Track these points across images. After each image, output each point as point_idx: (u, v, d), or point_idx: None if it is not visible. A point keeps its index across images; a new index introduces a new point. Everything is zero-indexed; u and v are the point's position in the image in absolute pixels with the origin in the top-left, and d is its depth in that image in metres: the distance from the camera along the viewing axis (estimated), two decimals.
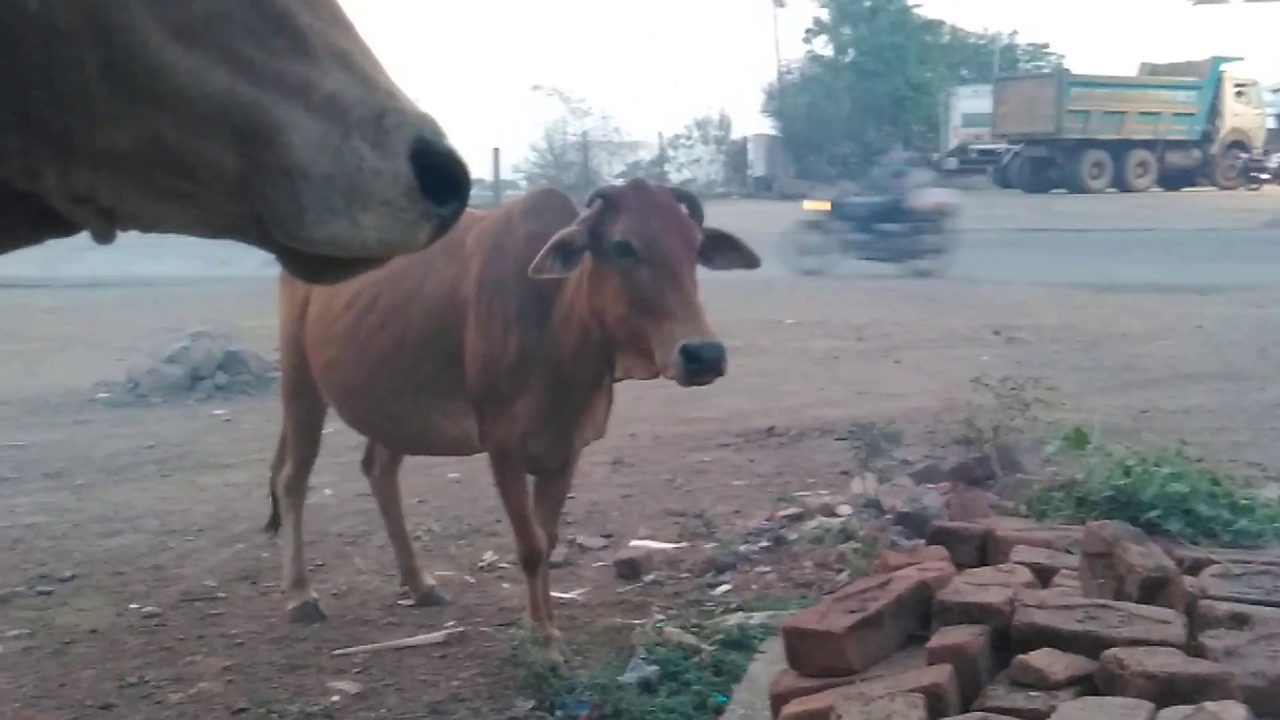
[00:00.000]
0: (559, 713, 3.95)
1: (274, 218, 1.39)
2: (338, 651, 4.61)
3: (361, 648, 4.63)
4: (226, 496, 6.99)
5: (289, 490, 5.11)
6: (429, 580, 5.20)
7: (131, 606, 5.15)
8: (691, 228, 3.79)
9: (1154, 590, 2.98)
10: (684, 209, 3.82)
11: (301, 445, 5.09)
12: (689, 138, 46.18)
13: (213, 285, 18.34)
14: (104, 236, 1.48)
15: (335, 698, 4.18)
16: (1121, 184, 36.54)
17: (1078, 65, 53.97)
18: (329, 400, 4.80)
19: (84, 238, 1.52)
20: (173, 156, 1.37)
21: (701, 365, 3.49)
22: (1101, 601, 2.95)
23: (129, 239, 1.54)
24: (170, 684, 4.35)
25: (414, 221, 1.43)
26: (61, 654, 4.65)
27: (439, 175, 1.43)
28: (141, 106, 1.35)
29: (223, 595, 5.29)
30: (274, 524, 5.26)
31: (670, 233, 3.71)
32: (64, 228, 1.49)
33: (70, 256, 18.86)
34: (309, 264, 1.48)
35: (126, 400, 10.12)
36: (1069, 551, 3.49)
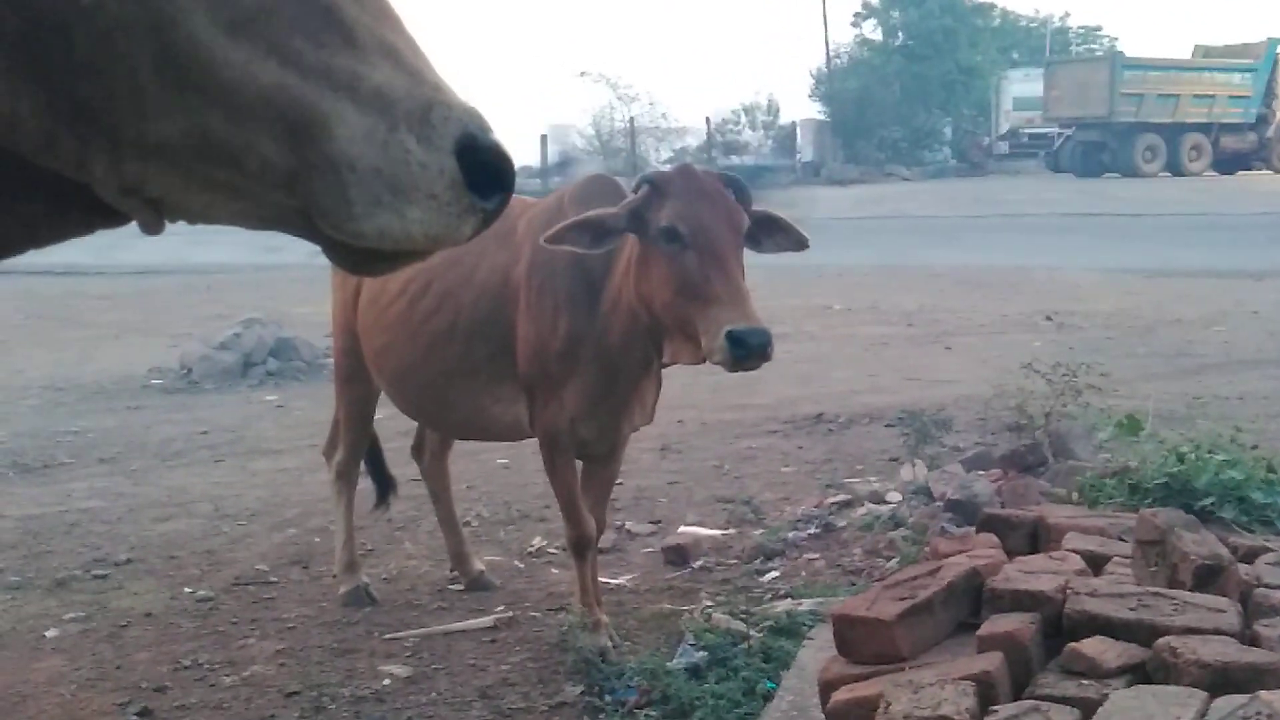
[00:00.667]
0: (608, 698, 3.96)
1: (320, 210, 1.40)
2: (388, 635, 4.64)
3: (411, 632, 4.66)
4: (278, 482, 7.05)
5: (340, 475, 5.15)
6: (478, 565, 5.22)
7: (185, 590, 5.21)
8: (738, 213, 3.78)
9: (1208, 578, 2.96)
10: (731, 194, 3.81)
11: (354, 431, 5.13)
12: (737, 123, 46.06)
13: (264, 272, 18.51)
14: (152, 227, 1.49)
15: (386, 681, 4.21)
16: (1175, 168, 36.13)
17: (1130, 48, 53.55)
18: (381, 385, 4.83)
19: (136, 227, 1.54)
20: (221, 149, 1.38)
21: (748, 351, 3.49)
22: (1154, 589, 2.92)
23: (180, 227, 1.56)
24: (224, 667, 4.39)
25: (459, 215, 1.44)
26: (117, 637, 4.71)
27: (484, 169, 1.44)
28: (191, 99, 1.36)
29: (275, 579, 5.34)
30: (382, 500, 5.38)
31: (716, 218, 3.71)
32: (114, 218, 1.50)
33: (124, 244, 19.06)
34: (354, 256, 1.49)
35: (180, 386, 10.23)
36: (1121, 539, 3.47)
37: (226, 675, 4.32)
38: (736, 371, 3.62)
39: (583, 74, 46.69)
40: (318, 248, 1.52)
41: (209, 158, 1.39)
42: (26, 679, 4.31)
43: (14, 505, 6.62)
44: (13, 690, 4.22)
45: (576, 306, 4.07)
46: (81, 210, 1.49)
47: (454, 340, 4.37)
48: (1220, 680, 2.47)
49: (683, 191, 3.74)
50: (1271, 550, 3.37)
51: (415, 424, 5.35)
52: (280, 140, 1.38)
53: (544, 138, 38.78)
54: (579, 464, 4.43)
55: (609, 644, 4.26)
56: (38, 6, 1.31)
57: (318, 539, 5.84)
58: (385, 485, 5.38)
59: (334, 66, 1.39)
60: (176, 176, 1.41)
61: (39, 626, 4.82)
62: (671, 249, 3.67)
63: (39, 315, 14.92)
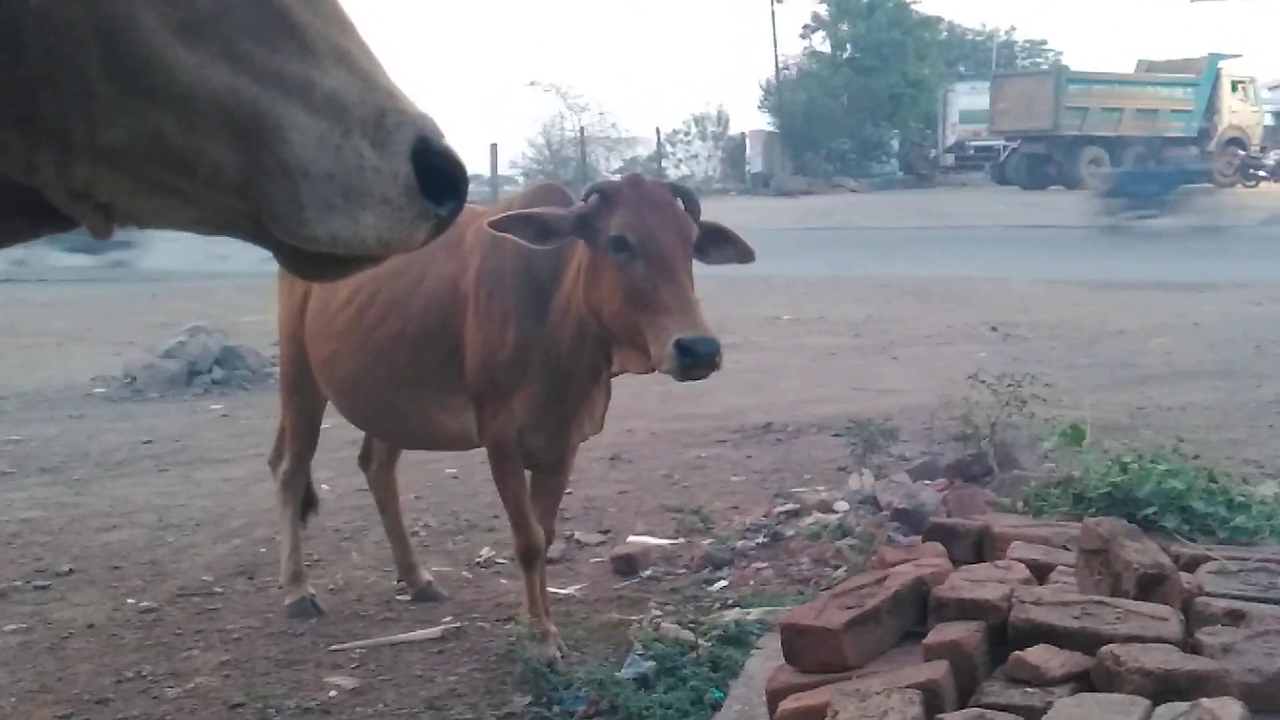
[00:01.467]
0: (556, 708, 3.95)
1: (274, 215, 1.40)
2: (335, 647, 4.61)
3: (358, 643, 4.63)
4: (223, 491, 6.99)
5: (286, 485, 5.11)
6: (426, 576, 5.20)
7: (129, 601, 5.15)
8: (687, 222, 3.79)
9: (1150, 587, 2.99)
10: (680, 204, 3.82)
11: (300, 440, 5.09)
12: (687, 134, 46.19)
13: (210, 280, 18.35)
14: (101, 232, 1.48)
15: (332, 693, 4.19)
16: None
17: (1075, 62, 54.12)
18: (329, 395, 4.80)
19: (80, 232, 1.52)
20: (173, 154, 1.37)
21: (696, 359, 3.50)
22: (1098, 598, 2.95)
23: (126, 233, 1.53)
24: (167, 679, 4.35)
25: (413, 220, 1.44)
26: (59, 648, 4.65)
27: (437, 175, 1.44)
28: (142, 103, 1.35)
29: (220, 590, 5.29)
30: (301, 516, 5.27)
31: (666, 228, 3.71)
32: (62, 222, 1.49)
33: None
34: (307, 261, 1.49)
35: (123, 395, 10.12)
36: (1066, 548, 3.50)
37: (170, 687, 4.27)
38: (685, 380, 3.63)
39: (532, 83, 46.80)
40: (265, 255, 1.51)
41: (160, 162, 1.38)
42: None
43: None
44: None
45: (525, 315, 4.07)
46: (29, 214, 1.48)
47: (402, 349, 4.35)
48: (1162, 688, 2.49)
49: (632, 201, 3.75)
50: (1213, 559, 3.41)
51: (362, 434, 5.32)
52: (232, 145, 1.37)
53: (493, 146, 38.69)
54: (528, 474, 4.42)
55: (557, 654, 4.25)
56: None
57: (263, 549, 5.79)
58: (307, 504, 5.31)
59: (287, 71, 1.39)
60: (127, 181, 1.40)
61: None
62: (620, 258, 3.68)
63: None
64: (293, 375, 4.98)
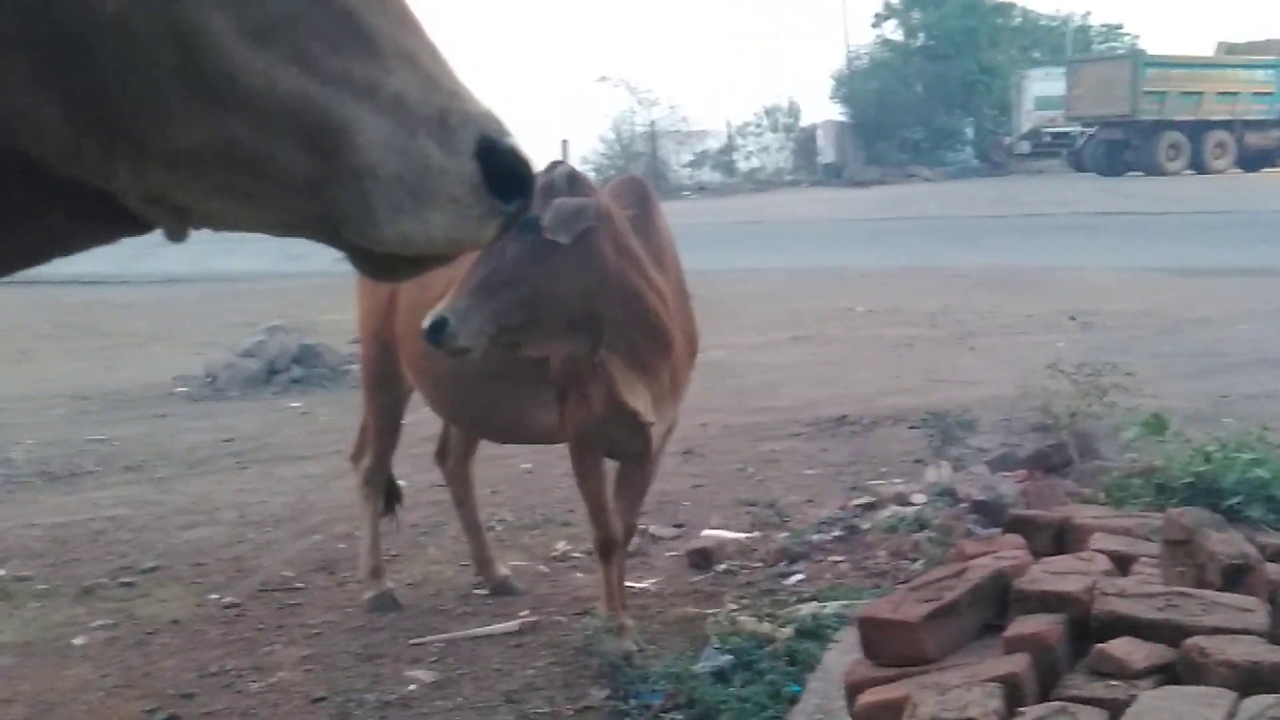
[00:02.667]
0: (633, 702, 3.96)
1: (344, 217, 1.41)
2: (414, 641, 4.65)
3: (437, 637, 4.67)
4: (303, 488, 7.07)
5: (367, 481, 5.16)
6: (503, 570, 5.23)
7: (211, 597, 5.23)
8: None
9: (1235, 578, 2.94)
10: (546, 191, 3.83)
11: (382, 437, 5.14)
12: (758, 125, 46.05)
13: (288, 280, 18.58)
14: (177, 235, 1.50)
15: (412, 686, 4.22)
16: (1199, 165, 35.92)
17: (1153, 45, 53.12)
18: (421, 390, 4.82)
19: (161, 235, 1.55)
20: (245, 157, 1.39)
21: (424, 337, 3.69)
22: (1182, 589, 2.91)
23: (204, 235, 1.57)
24: (250, 673, 4.41)
25: (480, 219, 1.45)
26: (144, 644, 4.74)
27: (504, 173, 1.45)
28: (215, 108, 1.36)
29: (300, 585, 5.36)
30: (388, 509, 5.34)
31: None
32: (139, 226, 1.51)
33: (148, 253, 19.18)
34: (378, 262, 1.50)
35: (204, 394, 10.27)
36: (1148, 539, 3.45)
37: (253, 681, 4.33)
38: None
39: (603, 79, 46.64)
40: (340, 254, 1.52)
41: (232, 165, 1.39)
42: (55, 686, 4.34)
43: (41, 514, 6.66)
44: (41, 698, 4.25)
45: None
46: (107, 218, 1.50)
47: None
48: (1249, 680, 2.45)
49: None
50: None
51: (438, 430, 5.35)
52: (302, 147, 1.38)
53: (564, 143, 38.81)
54: (613, 467, 4.44)
55: (634, 648, 4.26)
56: (60, 16, 1.32)
57: (342, 545, 5.85)
58: (392, 497, 5.36)
59: (354, 73, 1.40)
60: (200, 184, 1.41)
61: (66, 634, 4.85)
62: None
63: (65, 325, 15.01)
64: (376, 373, 5.02)
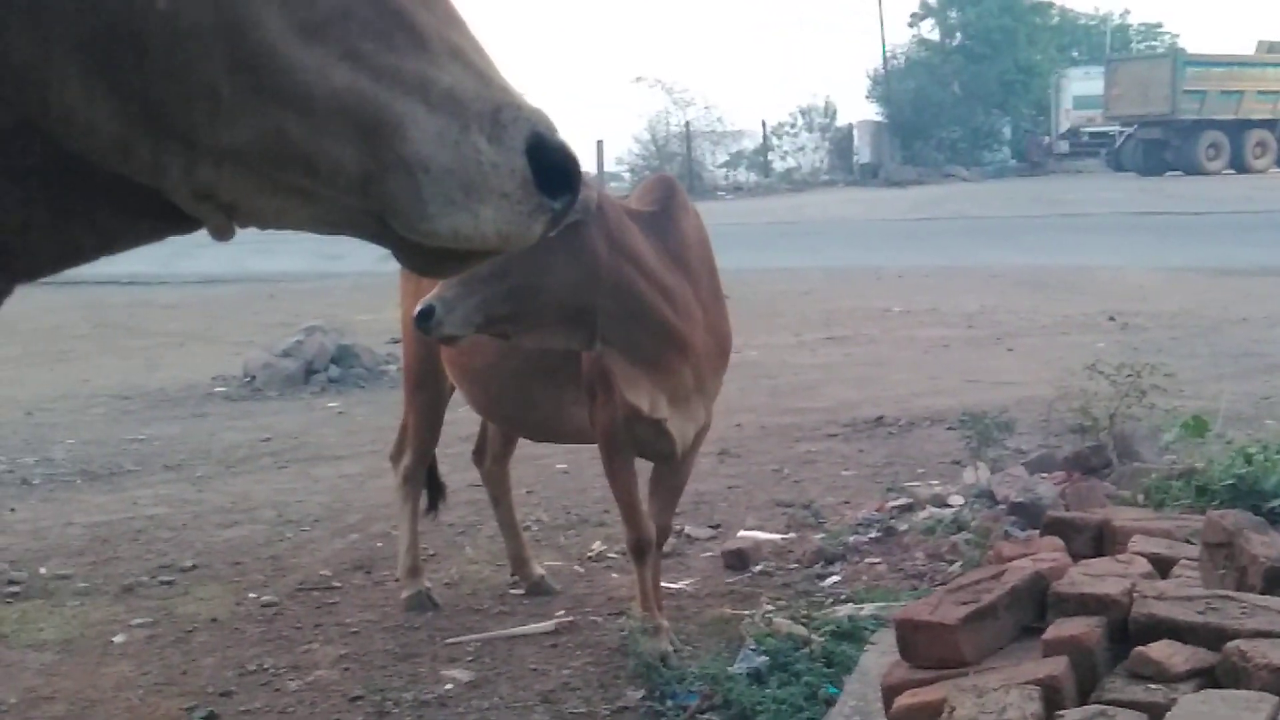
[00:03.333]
0: (669, 702, 3.96)
1: (395, 211, 1.43)
2: (450, 640, 4.66)
3: (473, 636, 4.68)
4: (341, 488, 7.10)
5: (407, 479, 5.17)
6: (539, 570, 5.24)
7: (250, 595, 5.26)
8: None
9: (1277, 581, 2.91)
10: None
11: (422, 436, 5.15)
12: (794, 125, 45.93)
13: (325, 280, 18.68)
14: (224, 233, 1.51)
15: (448, 686, 4.24)
16: (1239, 165, 35.64)
17: (1192, 44, 52.79)
18: (461, 387, 4.84)
19: (201, 235, 1.56)
20: (295, 152, 1.40)
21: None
22: (1223, 593, 2.88)
23: (242, 236, 1.57)
24: (288, 671, 4.43)
25: (530, 214, 1.46)
26: (183, 642, 4.77)
27: (552, 169, 1.47)
28: (266, 103, 1.38)
29: (338, 585, 5.38)
30: (432, 506, 5.39)
31: None
32: (184, 224, 1.52)
33: (187, 253, 19.35)
34: (427, 256, 1.52)
35: (243, 394, 10.33)
36: (1189, 541, 3.42)
37: (291, 680, 4.36)
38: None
39: (638, 79, 46.72)
40: (379, 254, 1.54)
41: (283, 162, 1.41)
42: (95, 684, 4.37)
43: (82, 512, 6.72)
44: (82, 695, 4.28)
45: None
46: (153, 216, 1.52)
47: None
48: None
49: None
50: None
51: (475, 430, 5.37)
52: (354, 143, 1.40)
53: (599, 143, 38.89)
54: (649, 468, 4.44)
55: (670, 648, 4.26)
56: (113, 11, 1.33)
57: (379, 544, 5.88)
58: (436, 493, 5.40)
59: (405, 69, 1.42)
60: (250, 181, 1.43)
61: (107, 632, 4.89)
62: None
63: (105, 325, 15.14)
64: (418, 372, 5.04)
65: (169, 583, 5.46)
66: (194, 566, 5.68)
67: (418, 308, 3.75)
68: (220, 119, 1.38)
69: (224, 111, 1.37)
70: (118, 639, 4.82)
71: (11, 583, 5.49)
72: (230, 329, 14.10)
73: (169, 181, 1.42)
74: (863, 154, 44.43)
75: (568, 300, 3.90)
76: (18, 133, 1.40)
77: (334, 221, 1.49)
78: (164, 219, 1.51)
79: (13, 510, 6.82)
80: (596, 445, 4.46)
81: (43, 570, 5.67)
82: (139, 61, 1.35)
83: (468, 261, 1.54)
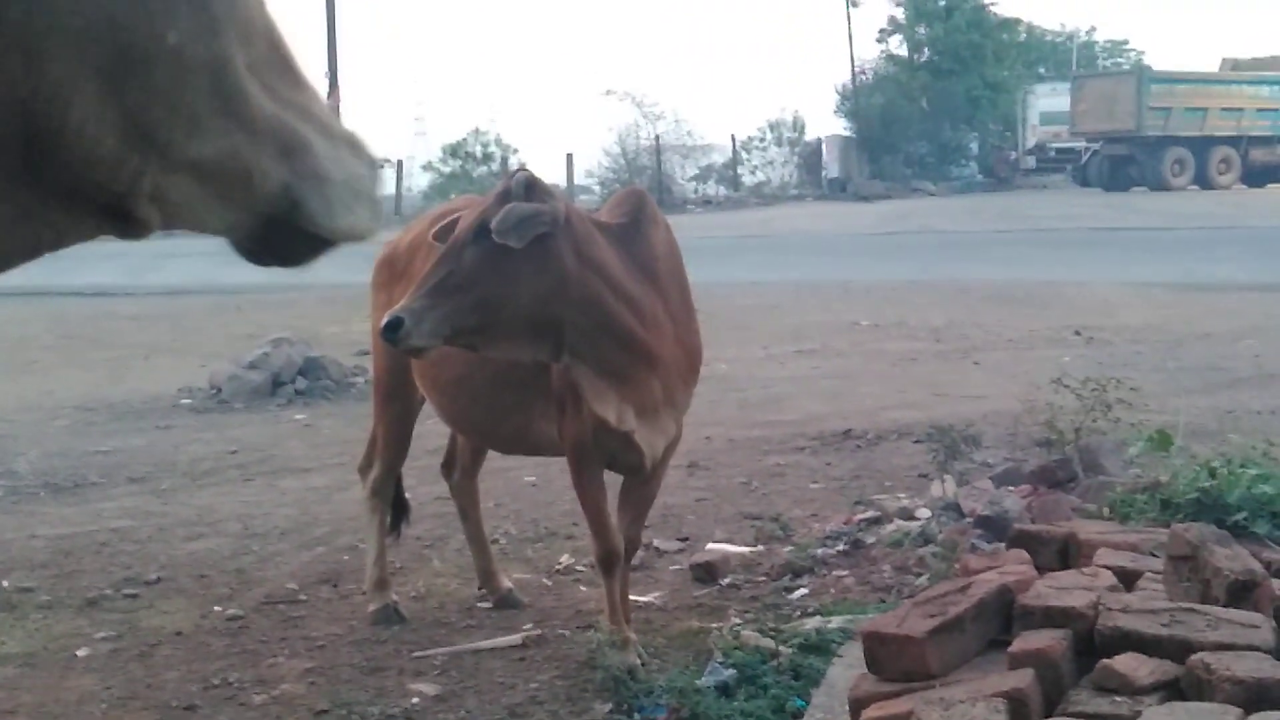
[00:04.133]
0: (637, 715, 3.96)
1: (307, 213, 1.76)
2: (417, 654, 4.65)
3: (440, 650, 4.67)
4: (307, 500, 7.07)
5: (375, 492, 5.15)
6: (506, 583, 5.22)
7: (215, 609, 5.23)
8: (484, 213, 3.88)
9: (1241, 593, 2.93)
10: (501, 194, 3.93)
11: (392, 448, 5.14)
12: (763, 140, 46.05)
13: (292, 292, 18.59)
14: (149, 233, 1.72)
15: (415, 700, 4.22)
16: (1204, 181, 35.97)
17: (1158, 61, 53.25)
18: (431, 399, 4.82)
19: (166, 246, 1.68)
20: (241, 164, 1.68)
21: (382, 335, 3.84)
22: (1187, 605, 2.90)
23: (210, 247, 1.79)
24: (253, 685, 4.41)
25: (379, 214, 1.85)
26: (147, 656, 4.73)
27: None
28: (228, 124, 1.66)
29: (304, 598, 5.35)
30: (394, 526, 5.36)
31: (464, 219, 3.98)
32: (119, 224, 1.70)
33: (154, 265, 19.24)
34: (301, 254, 1.84)
35: (209, 406, 10.27)
36: (1153, 555, 3.44)
37: (256, 694, 4.33)
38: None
39: (608, 92, 46.59)
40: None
41: (230, 171, 1.68)
42: (58, 698, 4.33)
43: (45, 525, 6.66)
44: (45, 709, 4.24)
45: None
46: (98, 215, 1.69)
47: None
48: (1255, 697, 2.45)
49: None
50: None
51: (444, 443, 5.35)
52: (277, 158, 1.72)
53: (569, 156, 38.89)
54: (619, 481, 4.43)
55: (638, 661, 4.25)
56: (132, 42, 1.55)
57: (346, 557, 5.85)
58: (400, 512, 5.38)
59: (297, 102, 1.76)
60: (199, 188, 1.69)
61: (70, 645, 4.85)
62: None
63: (69, 336, 15.02)
64: (388, 384, 5.03)
65: (133, 596, 5.42)
66: (159, 579, 5.64)
67: (385, 319, 3.76)
68: (194, 136, 1.63)
69: (198, 130, 1.63)
70: (81, 652, 4.77)
71: None
72: (197, 341, 14.02)
73: (139, 189, 1.62)
74: (831, 169, 44.58)
75: (535, 312, 3.91)
76: (26, 143, 1.56)
77: (242, 224, 1.76)
78: (106, 218, 1.70)
79: None
80: (561, 458, 4.46)
81: (5, 583, 5.62)
82: (144, 84, 1.58)
83: (318, 257, 1.86)
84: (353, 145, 1.83)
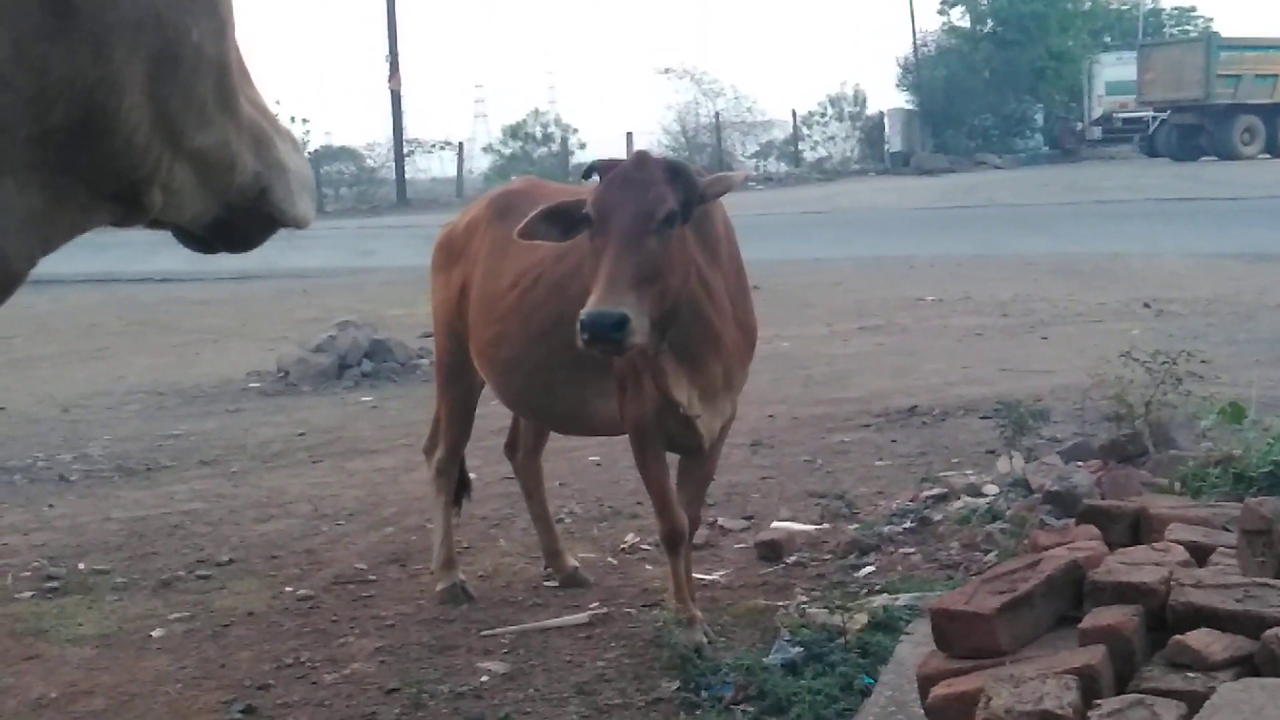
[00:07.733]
0: (704, 693, 3.96)
1: (273, 199, 1.99)
2: (485, 632, 4.68)
3: (508, 629, 4.70)
4: (375, 481, 7.14)
5: (440, 473, 5.19)
6: (572, 562, 5.25)
7: (286, 589, 5.29)
8: (652, 198, 3.72)
9: None
10: (658, 179, 3.77)
11: (455, 429, 5.17)
12: (823, 114, 45.71)
13: (357, 276, 18.76)
14: (138, 221, 1.87)
15: (484, 678, 4.25)
16: (1275, 149, 35.28)
17: (1226, 28, 52.23)
18: (488, 378, 4.85)
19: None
20: (230, 153, 1.88)
21: (588, 334, 3.54)
22: (1261, 580, 2.86)
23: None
24: (325, 664, 4.46)
25: (315, 204, 2.13)
26: (220, 636, 4.80)
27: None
28: (224, 116, 1.84)
29: (373, 578, 5.40)
30: (456, 502, 5.35)
31: (622, 203, 3.72)
32: (124, 210, 1.81)
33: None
34: (251, 237, 2.08)
35: (277, 389, 10.39)
36: (1226, 529, 3.40)
37: (327, 673, 4.38)
38: (594, 353, 3.66)
39: (667, 70, 46.44)
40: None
41: (223, 159, 1.87)
42: (134, 678, 4.41)
43: (119, 508, 6.78)
44: (121, 689, 4.32)
45: None
46: (112, 201, 1.79)
47: (561, 331, 4.36)
48: None
49: (605, 179, 3.82)
50: None
51: (507, 423, 5.38)
52: (252, 149, 1.94)
53: (629, 135, 38.84)
54: (676, 460, 4.43)
55: (704, 640, 4.26)
56: (169, 39, 1.67)
57: (414, 537, 5.90)
58: (462, 489, 5.40)
59: (258, 102, 1.98)
60: (196, 175, 1.85)
61: (145, 626, 4.93)
62: (589, 235, 3.79)
63: (139, 322, 15.26)
64: (449, 365, 5.06)
65: (206, 577, 5.50)
66: (230, 561, 5.72)
67: (597, 314, 3.53)
68: (201, 127, 1.79)
69: (204, 122, 1.80)
70: (156, 633, 4.86)
71: (50, 578, 5.54)
72: (264, 325, 14.19)
73: (156, 175, 1.77)
74: (894, 142, 44.23)
75: (680, 299, 3.88)
76: (74, 130, 1.65)
77: (203, 211, 1.92)
78: (117, 204, 1.81)
79: (51, 506, 6.89)
80: (625, 437, 4.46)
81: (81, 566, 5.72)
82: (171, 78, 1.70)
83: (265, 240, 2.11)
84: (294, 142, 2.08)
